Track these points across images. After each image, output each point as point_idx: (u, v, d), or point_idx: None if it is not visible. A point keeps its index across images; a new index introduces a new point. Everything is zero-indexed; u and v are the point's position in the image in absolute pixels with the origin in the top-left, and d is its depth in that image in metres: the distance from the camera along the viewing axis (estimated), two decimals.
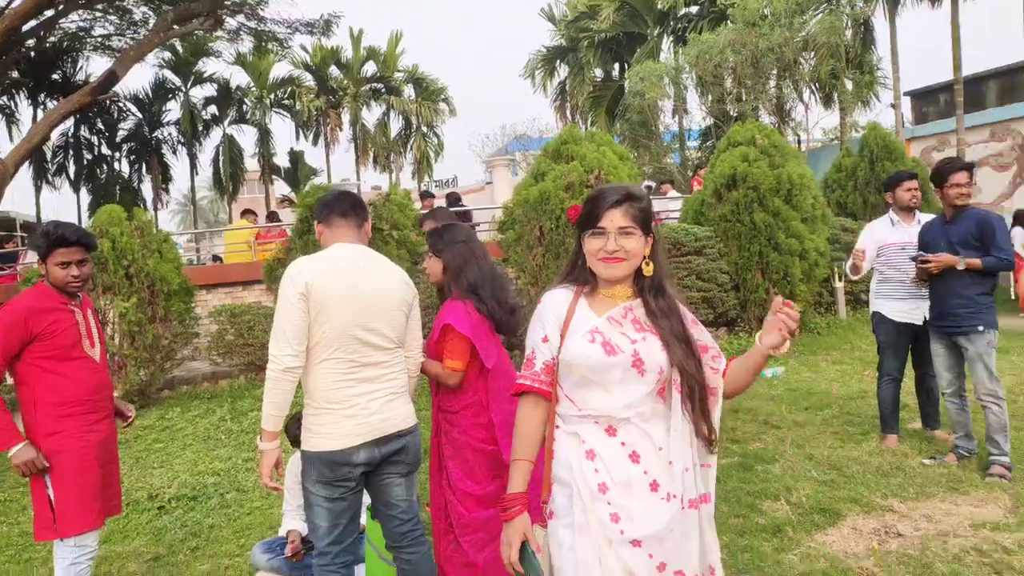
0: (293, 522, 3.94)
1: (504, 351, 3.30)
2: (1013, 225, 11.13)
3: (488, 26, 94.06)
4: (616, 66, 23.31)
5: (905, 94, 17.66)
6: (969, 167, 4.57)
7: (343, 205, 2.89)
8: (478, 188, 22.56)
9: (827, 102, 17.14)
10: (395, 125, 27.27)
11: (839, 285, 9.78)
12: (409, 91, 26.75)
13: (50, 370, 3.01)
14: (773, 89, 16.52)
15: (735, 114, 16.49)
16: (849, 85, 16.54)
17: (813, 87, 16.81)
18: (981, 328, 4.38)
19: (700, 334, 2.07)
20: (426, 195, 12.40)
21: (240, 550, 4.26)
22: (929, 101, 17.92)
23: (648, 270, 2.04)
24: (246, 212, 12.81)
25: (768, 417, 6.00)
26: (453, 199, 11.89)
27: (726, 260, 9.20)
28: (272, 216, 13.44)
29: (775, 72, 16.08)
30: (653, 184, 15.63)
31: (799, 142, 18.07)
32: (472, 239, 3.35)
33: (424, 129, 26.85)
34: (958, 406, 4.68)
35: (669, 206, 12.41)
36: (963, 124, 13.77)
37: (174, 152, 24.17)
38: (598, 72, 23.49)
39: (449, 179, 24.17)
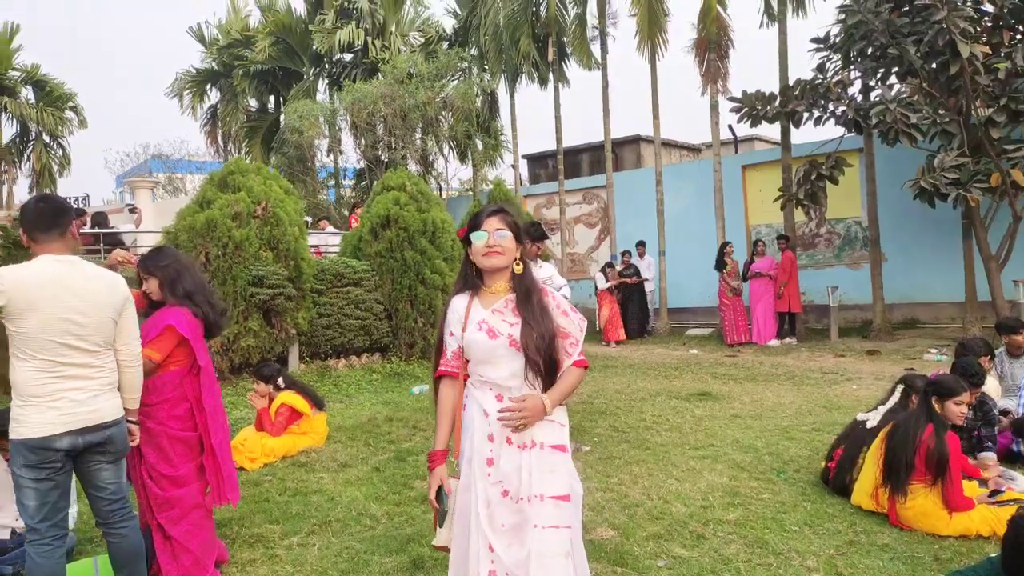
0: None
1: (207, 353, 3.81)
2: (600, 271, 14.31)
3: (131, 34, 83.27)
4: (272, 98, 23.41)
5: (523, 157, 21.09)
6: None
7: (45, 220, 3.10)
8: (118, 209, 20.74)
9: (463, 158, 19.69)
10: (8, 130, 23.66)
11: None
12: (28, 93, 23.47)
13: None
14: (419, 141, 18.54)
15: (386, 159, 18.08)
16: (480, 145, 19.32)
17: (451, 143, 19.26)
18: None
19: (567, 323, 2.62)
20: (81, 213, 11.54)
21: None
22: (540, 165, 21.66)
23: (519, 269, 2.64)
24: None
25: (417, 423, 7.28)
26: (101, 219, 11.31)
27: (380, 292, 10.40)
28: None
29: (420, 126, 18.10)
30: (310, 219, 16.33)
31: (440, 190, 20.37)
32: (179, 255, 3.86)
33: (46, 139, 23.75)
34: None
35: (329, 240, 13.33)
36: (564, 187, 17.12)
37: None
38: (253, 102, 23.35)
39: (80, 197, 21.70)
